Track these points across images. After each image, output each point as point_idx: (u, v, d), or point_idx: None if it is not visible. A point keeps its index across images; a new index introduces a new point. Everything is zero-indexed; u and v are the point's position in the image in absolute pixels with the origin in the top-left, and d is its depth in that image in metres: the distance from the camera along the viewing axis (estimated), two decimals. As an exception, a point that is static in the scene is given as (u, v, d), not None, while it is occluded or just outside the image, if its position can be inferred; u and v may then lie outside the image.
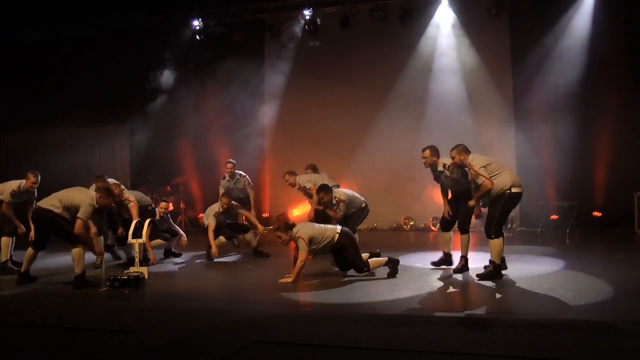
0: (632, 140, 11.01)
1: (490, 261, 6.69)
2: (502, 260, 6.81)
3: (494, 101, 12.11)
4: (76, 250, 6.77)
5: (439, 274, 7.18)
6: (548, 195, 11.19)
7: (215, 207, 8.75)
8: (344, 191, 8.22)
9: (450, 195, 7.46)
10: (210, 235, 8.56)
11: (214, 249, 8.55)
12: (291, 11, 13.18)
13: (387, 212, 12.30)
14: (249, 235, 8.96)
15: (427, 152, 7.25)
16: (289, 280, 6.76)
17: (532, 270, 7.26)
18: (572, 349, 4.17)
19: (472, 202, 6.81)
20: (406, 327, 4.98)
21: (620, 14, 11.15)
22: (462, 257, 7.25)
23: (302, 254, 6.74)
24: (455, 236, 7.57)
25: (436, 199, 12.22)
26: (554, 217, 10.84)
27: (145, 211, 8.40)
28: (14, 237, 8.05)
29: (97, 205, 6.88)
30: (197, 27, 13.49)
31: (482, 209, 6.94)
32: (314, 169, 9.55)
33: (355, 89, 12.98)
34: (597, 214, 11.02)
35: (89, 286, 6.80)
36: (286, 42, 13.35)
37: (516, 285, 6.42)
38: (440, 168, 7.21)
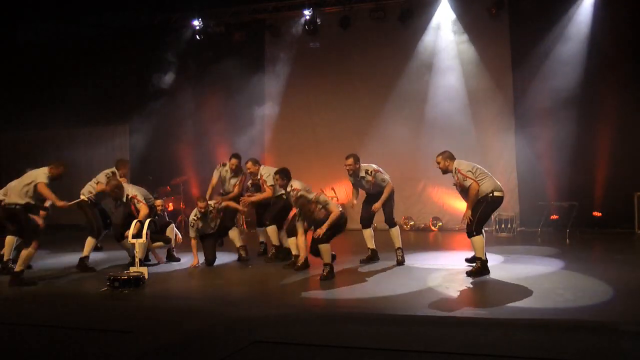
0: (632, 140, 11.00)
1: (477, 258, 7.00)
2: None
3: (494, 101, 12.10)
4: (27, 252, 7.02)
5: (438, 274, 7.19)
6: (548, 195, 11.18)
7: (192, 214, 8.22)
8: (299, 182, 7.87)
9: (364, 197, 8.09)
10: (193, 249, 8.21)
11: (194, 260, 8.17)
12: (291, 11, 13.20)
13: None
14: (232, 233, 8.44)
15: (351, 160, 7.79)
16: (323, 231, 6.83)
17: (532, 270, 7.26)
18: (572, 349, 4.17)
19: (467, 211, 7.02)
20: (406, 327, 4.98)
21: (621, 14, 11.14)
22: (398, 248, 7.87)
23: (335, 209, 6.94)
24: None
25: (436, 199, 12.27)
26: (554, 217, 10.84)
27: (149, 209, 8.39)
28: (17, 237, 8.05)
29: (50, 175, 7.16)
30: (197, 27, 13.52)
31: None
32: (255, 162, 8.86)
33: (355, 89, 12.99)
34: (597, 214, 11.01)
35: (28, 284, 6.95)
36: (286, 42, 13.36)
37: (516, 285, 6.42)
38: (362, 174, 7.78)
